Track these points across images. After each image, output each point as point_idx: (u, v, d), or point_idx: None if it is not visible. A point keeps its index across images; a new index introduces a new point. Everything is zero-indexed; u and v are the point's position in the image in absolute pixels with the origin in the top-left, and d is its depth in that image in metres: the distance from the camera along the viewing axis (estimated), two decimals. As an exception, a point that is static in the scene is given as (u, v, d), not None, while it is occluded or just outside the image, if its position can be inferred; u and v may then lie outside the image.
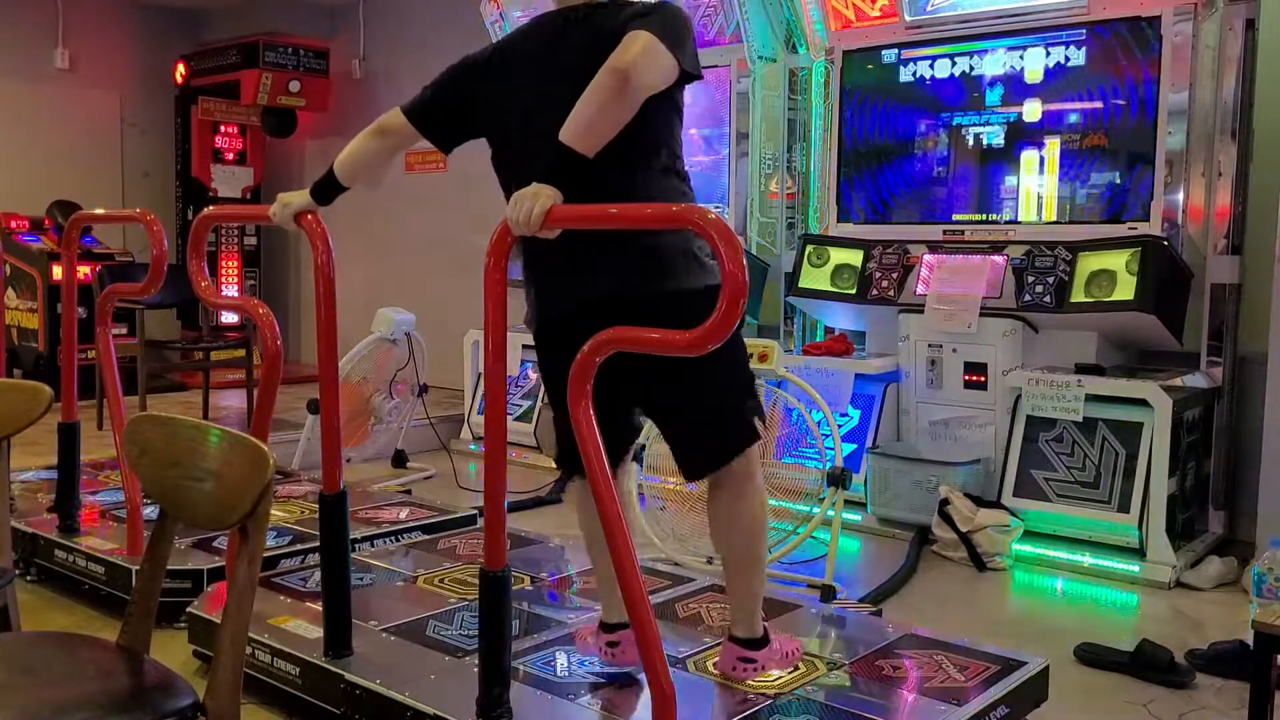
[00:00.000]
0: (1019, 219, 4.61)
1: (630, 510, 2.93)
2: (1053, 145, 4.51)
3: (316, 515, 2.80)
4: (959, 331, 4.48)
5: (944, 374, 4.58)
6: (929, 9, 4.78)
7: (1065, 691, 2.87)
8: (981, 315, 4.44)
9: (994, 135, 4.66)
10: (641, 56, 2.09)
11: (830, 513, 3.73)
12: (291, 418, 5.59)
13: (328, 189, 2.66)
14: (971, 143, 4.73)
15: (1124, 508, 4.03)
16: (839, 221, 5.12)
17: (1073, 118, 4.48)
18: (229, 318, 8.04)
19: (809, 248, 5.08)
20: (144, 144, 8.74)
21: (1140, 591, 3.90)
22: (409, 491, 4.98)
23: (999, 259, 4.50)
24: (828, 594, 3.57)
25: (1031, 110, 4.55)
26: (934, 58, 4.80)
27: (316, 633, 2.77)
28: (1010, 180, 4.66)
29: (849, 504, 4.01)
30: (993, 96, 4.66)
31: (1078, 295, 4.27)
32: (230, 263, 8.77)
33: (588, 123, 2.10)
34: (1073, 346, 4.40)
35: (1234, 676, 3.00)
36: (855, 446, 4.66)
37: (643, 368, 2.21)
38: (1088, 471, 4.14)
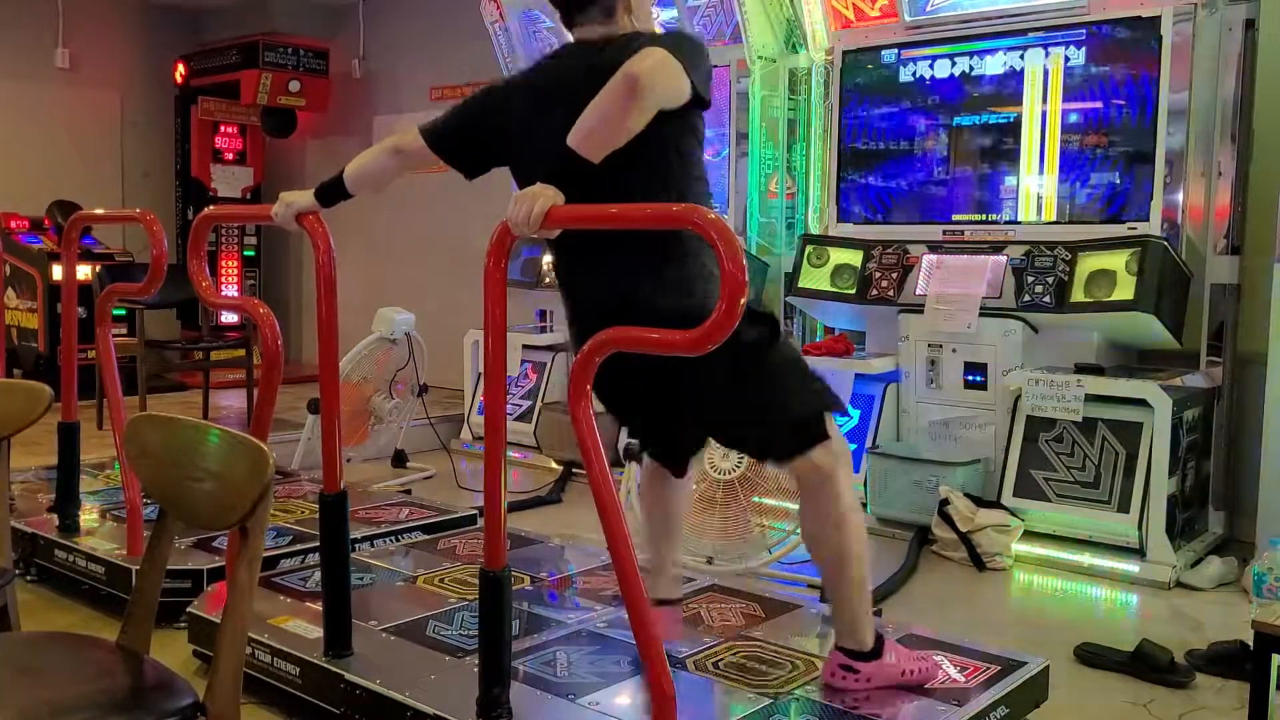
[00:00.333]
0: (1019, 219, 4.61)
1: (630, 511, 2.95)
2: (1053, 145, 4.51)
3: (316, 515, 2.80)
4: (959, 331, 4.48)
5: (944, 374, 4.58)
6: (929, 9, 4.78)
7: (1065, 691, 2.87)
8: (981, 315, 4.44)
9: (994, 135, 4.66)
10: (655, 67, 2.08)
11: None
12: (291, 418, 5.59)
13: (333, 194, 2.66)
14: (971, 143, 4.73)
15: (1124, 508, 4.03)
16: (839, 221, 5.12)
17: (1073, 118, 4.48)
18: (229, 318, 8.04)
19: (809, 248, 5.08)
20: (144, 144, 8.74)
21: (1140, 591, 3.90)
22: (409, 491, 4.98)
23: (999, 259, 4.50)
24: (828, 594, 3.57)
25: (1031, 110, 4.55)
26: (934, 58, 4.80)
27: (316, 633, 2.77)
28: (1010, 180, 4.65)
29: (849, 504, 4.00)
30: (993, 97, 4.66)
31: (1078, 295, 4.27)
32: (230, 263, 8.77)
33: (593, 126, 2.09)
34: (1073, 346, 4.40)
35: (1234, 676, 3.00)
36: (855, 446, 4.66)
37: (678, 377, 2.25)
38: (1088, 471, 4.14)
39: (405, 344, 5.27)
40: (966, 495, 4.21)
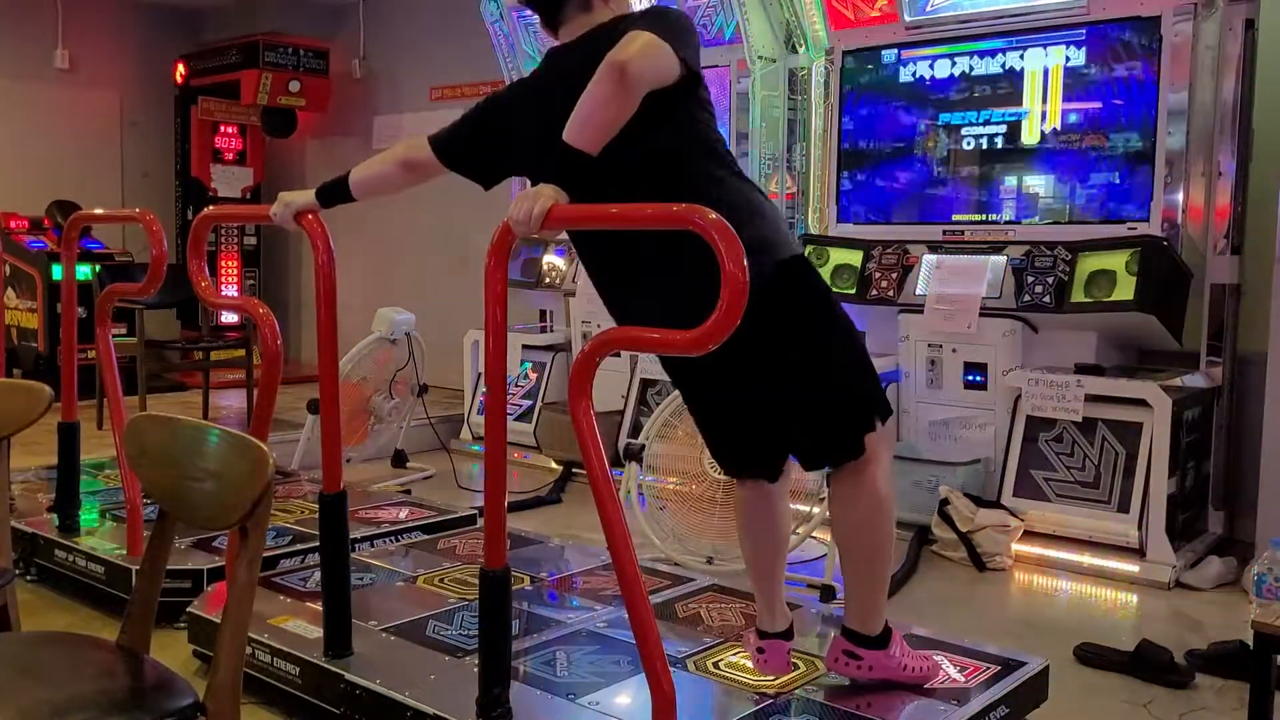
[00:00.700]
0: (1019, 219, 4.62)
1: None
2: (1052, 145, 4.51)
3: (316, 515, 2.80)
4: (959, 332, 4.48)
5: (944, 374, 4.58)
6: (929, 9, 4.78)
7: (1065, 691, 2.87)
8: (981, 315, 4.44)
9: (994, 135, 4.67)
10: (639, 51, 2.08)
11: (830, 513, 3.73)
12: (291, 418, 5.59)
13: (335, 195, 2.65)
14: (971, 143, 4.73)
15: (1124, 508, 4.03)
16: (839, 221, 5.12)
17: (1072, 118, 4.48)
18: (229, 318, 8.04)
19: (809, 248, 5.08)
20: (144, 144, 8.74)
21: (1140, 592, 3.90)
22: (409, 491, 4.98)
23: (999, 259, 4.50)
24: (828, 594, 3.57)
25: (1031, 110, 4.55)
26: (934, 58, 4.80)
27: (316, 633, 2.77)
28: (1010, 180, 4.66)
29: (849, 504, 4.00)
30: (992, 97, 4.66)
31: (1077, 295, 4.27)
32: (230, 263, 8.77)
33: (585, 117, 2.08)
34: (1072, 346, 4.39)
35: (1234, 676, 3.00)
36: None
37: (736, 368, 2.25)
38: (1087, 471, 4.14)
39: (405, 344, 5.27)
40: (966, 495, 4.21)
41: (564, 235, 2.61)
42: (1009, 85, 4.61)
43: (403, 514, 4.16)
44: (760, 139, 5.52)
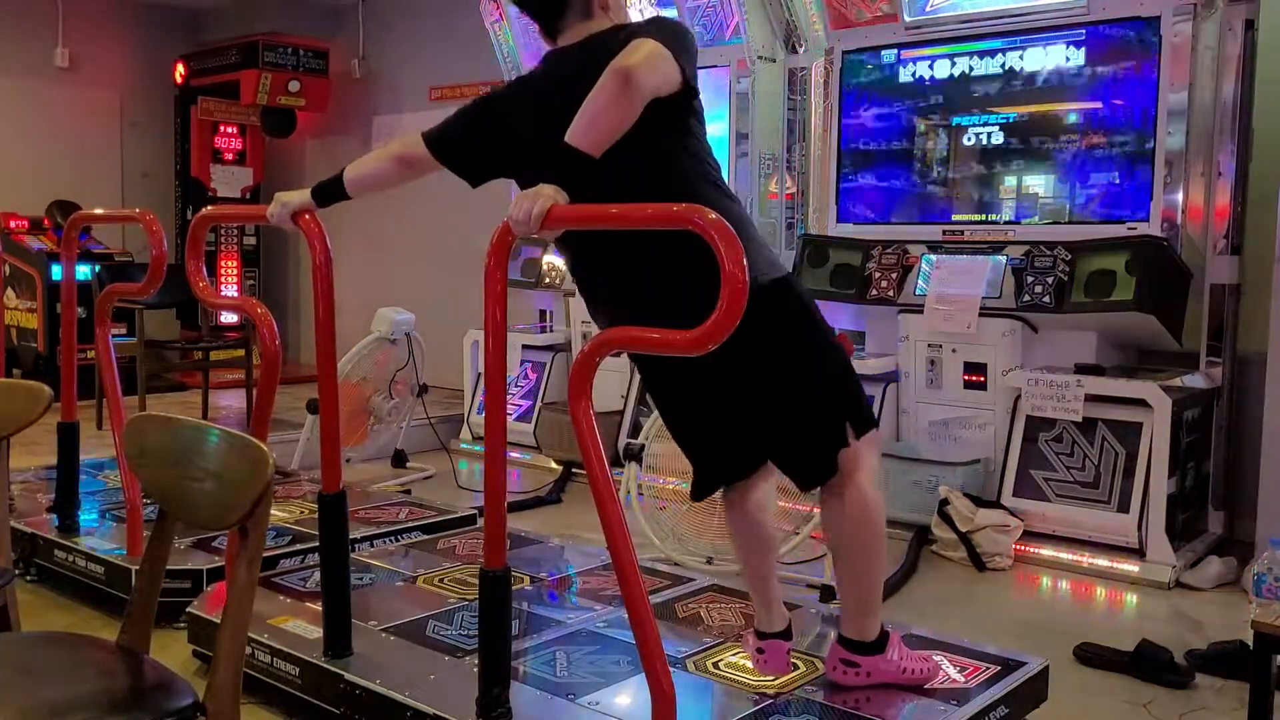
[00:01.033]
0: (1019, 219, 4.62)
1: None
2: (1052, 145, 4.51)
3: (316, 515, 2.80)
4: (958, 332, 4.48)
5: (943, 374, 4.58)
6: (929, 9, 4.78)
7: (1065, 691, 2.87)
8: (981, 315, 4.44)
9: (994, 135, 4.66)
10: (644, 59, 2.10)
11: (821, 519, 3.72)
12: (291, 418, 5.59)
13: (330, 194, 2.64)
14: (971, 143, 4.73)
15: (1124, 508, 4.03)
16: (839, 221, 5.12)
17: (1072, 118, 4.48)
18: (228, 318, 8.04)
19: (809, 248, 5.08)
20: (144, 144, 8.74)
21: (1140, 591, 3.90)
22: (409, 491, 4.98)
23: (999, 259, 4.50)
24: (827, 594, 3.57)
25: (1031, 110, 4.55)
26: (934, 58, 4.80)
27: (316, 633, 2.77)
28: (1010, 180, 4.66)
29: (849, 504, 4.00)
30: (992, 97, 4.66)
31: (1077, 295, 4.26)
32: (229, 263, 8.77)
33: (590, 121, 2.09)
34: (1072, 346, 4.39)
35: (1234, 676, 3.00)
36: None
37: (716, 375, 2.24)
38: (1087, 471, 4.14)
39: (405, 344, 5.27)
40: (966, 495, 4.21)
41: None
42: (1009, 85, 4.61)
43: (402, 514, 4.15)
44: (760, 139, 5.52)
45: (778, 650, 2.58)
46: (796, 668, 2.64)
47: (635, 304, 2.34)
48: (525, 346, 5.98)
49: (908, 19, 4.82)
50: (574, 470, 5.32)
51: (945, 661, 2.70)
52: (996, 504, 4.23)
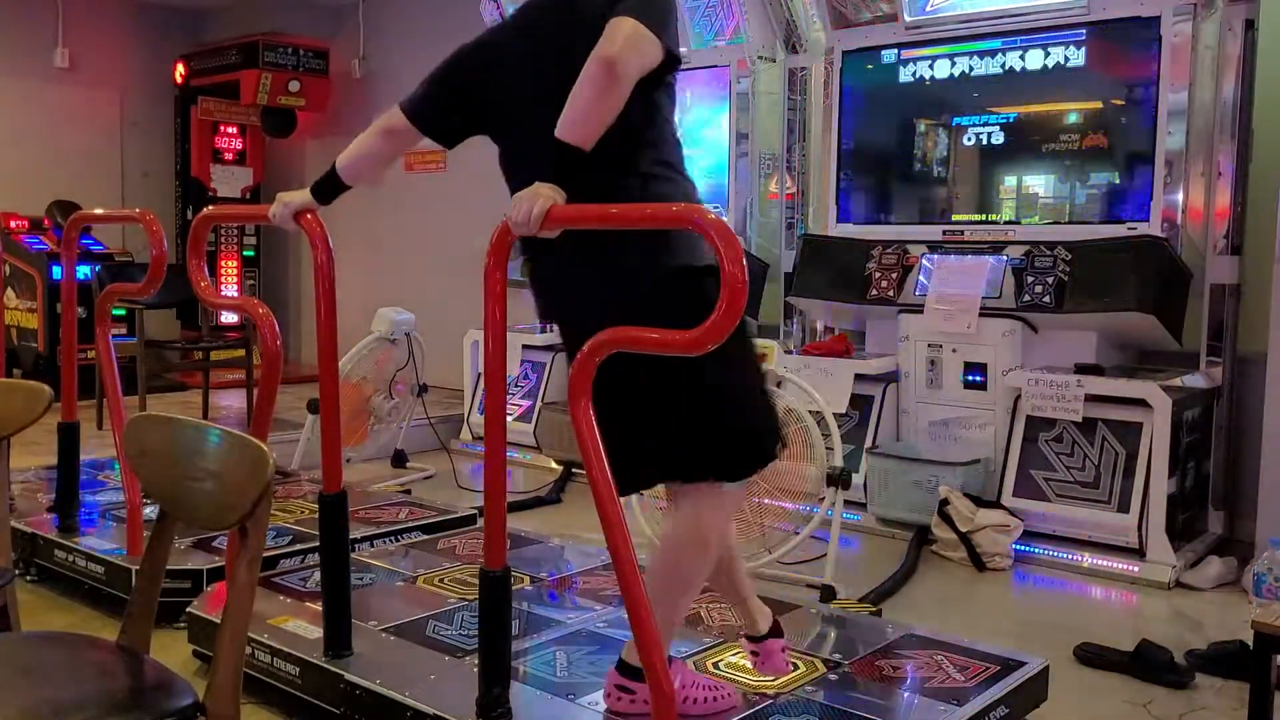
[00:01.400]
0: (1019, 219, 4.62)
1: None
2: (1052, 145, 4.51)
3: (316, 515, 2.80)
4: (958, 332, 4.48)
5: (944, 374, 4.58)
6: (929, 9, 4.78)
7: (1065, 691, 2.87)
8: (981, 315, 4.44)
9: (994, 135, 4.67)
10: (626, 43, 2.09)
11: (830, 513, 3.73)
12: (291, 418, 5.59)
13: (329, 188, 2.64)
14: (971, 143, 4.73)
15: (1124, 508, 4.03)
16: (839, 221, 5.12)
17: (1072, 118, 4.48)
18: (229, 318, 8.04)
19: (809, 248, 5.08)
20: (144, 144, 8.74)
21: (1140, 591, 3.90)
22: (409, 491, 4.98)
23: (999, 259, 4.50)
24: (828, 594, 3.57)
25: (1031, 110, 4.55)
26: (934, 58, 4.80)
27: (316, 633, 2.77)
28: (1010, 180, 4.66)
29: (849, 504, 4.01)
30: (992, 97, 4.66)
31: (1077, 295, 4.27)
32: (230, 263, 8.77)
33: (581, 115, 2.09)
34: (1072, 346, 4.39)
35: (1234, 676, 3.00)
36: (853, 447, 4.65)
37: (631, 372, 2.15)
38: (1087, 471, 4.14)
39: (405, 344, 5.27)
40: (966, 495, 4.21)
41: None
42: (1009, 85, 4.61)
43: (403, 514, 4.15)
44: (760, 139, 5.52)
45: (772, 650, 2.57)
46: (796, 667, 2.64)
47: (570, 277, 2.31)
48: (525, 346, 5.98)
49: (908, 19, 4.82)
50: (574, 470, 5.32)
51: (945, 661, 2.70)
52: (996, 504, 4.23)
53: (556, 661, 2.70)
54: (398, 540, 3.88)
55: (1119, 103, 4.35)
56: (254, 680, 2.76)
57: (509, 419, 2.41)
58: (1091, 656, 3.17)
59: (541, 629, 2.93)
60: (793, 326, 5.45)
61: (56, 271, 6.69)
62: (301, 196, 2.68)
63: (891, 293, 4.74)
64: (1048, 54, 4.49)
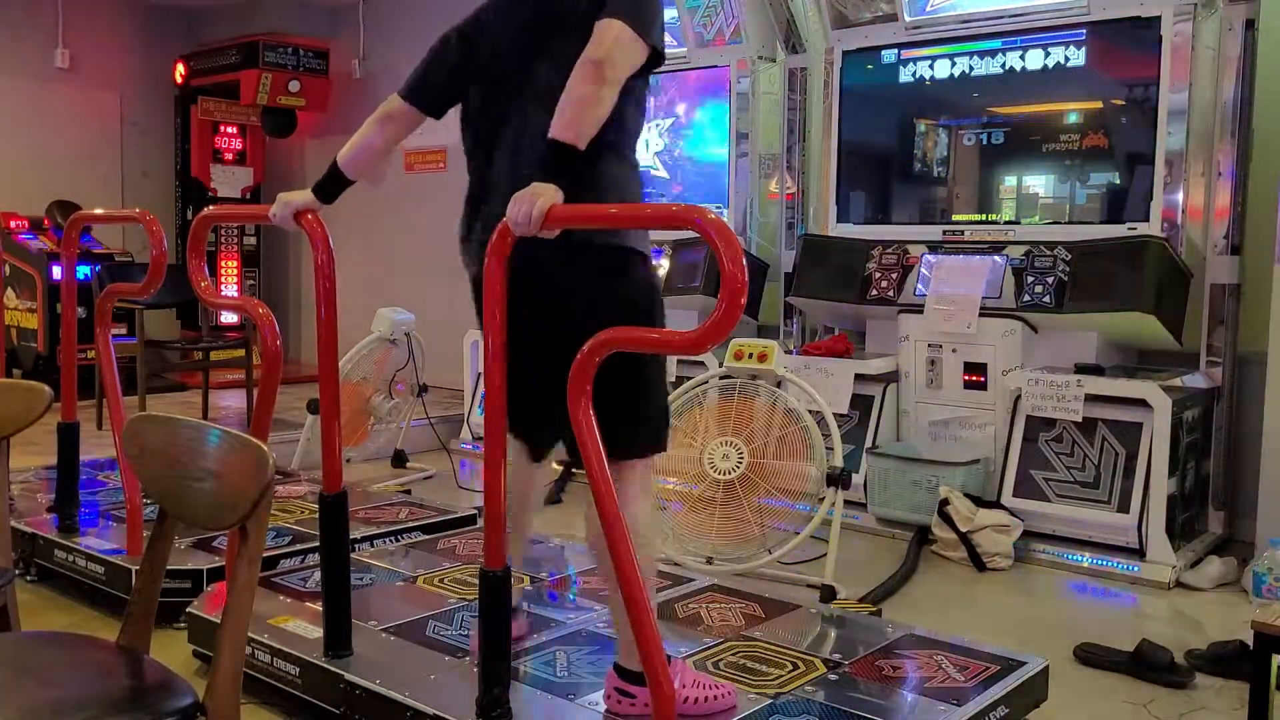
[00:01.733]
0: (1019, 219, 4.62)
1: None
2: (1052, 145, 4.51)
3: (316, 515, 2.80)
4: (958, 332, 4.48)
5: (944, 374, 4.58)
6: (929, 9, 4.78)
7: (1065, 691, 2.87)
8: (981, 315, 4.44)
9: (994, 135, 4.67)
10: (614, 46, 2.18)
11: (830, 513, 3.73)
12: (291, 418, 5.59)
13: (331, 184, 2.65)
14: (971, 143, 4.74)
15: (1124, 508, 4.03)
16: (839, 221, 5.12)
17: (1072, 118, 4.48)
18: (229, 318, 8.04)
19: (809, 248, 5.08)
20: (144, 144, 8.74)
21: (1140, 591, 3.90)
22: (409, 491, 4.98)
23: (999, 259, 4.50)
24: (828, 594, 3.57)
25: (1031, 110, 4.55)
26: (934, 58, 4.80)
27: (316, 633, 2.77)
28: (1010, 180, 4.66)
29: (849, 504, 4.01)
30: (992, 97, 4.66)
31: (1077, 295, 4.27)
32: (230, 263, 8.77)
33: (574, 116, 2.15)
34: (1072, 346, 4.40)
35: (1234, 676, 3.00)
36: (853, 447, 4.66)
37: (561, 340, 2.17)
38: (1087, 471, 4.14)
39: (405, 344, 5.27)
40: (966, 495, 4.21)
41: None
42: (1009, 85, 4.61)
43: (403, 514, 4.15)
44: (760, 139, 5.52)
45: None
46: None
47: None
48: (525, 346, 5.97)
49: (908, 19, 4.82)
50: (574, 470, 5.32)
51: (945, 661, 2.70)
52: (996, 504, 4.23)
53: (556, 661, 2.70)
54: (398, 540, 3.88)
55: (1119, 103, 4.35)
56: (254, 680, 2.76)
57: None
58: (1091, 656, 3.17)
59: (541, 629, 2.92)
60: (793, 326, 5.45)
61: (56, 271, 6.69)
62: (303, 196, 2.69)
63: (891, 293, 4.74)
64: (1048, 54, 4.50)
